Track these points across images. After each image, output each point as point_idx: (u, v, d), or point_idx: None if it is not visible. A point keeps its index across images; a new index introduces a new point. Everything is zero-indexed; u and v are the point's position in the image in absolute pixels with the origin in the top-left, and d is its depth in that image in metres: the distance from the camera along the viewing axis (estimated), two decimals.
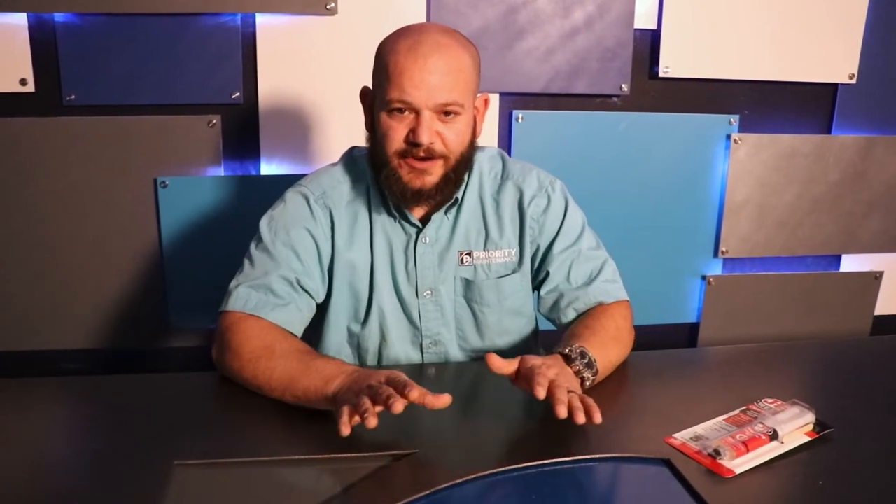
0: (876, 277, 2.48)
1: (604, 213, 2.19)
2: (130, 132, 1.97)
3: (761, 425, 1.10)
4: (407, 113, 1.29)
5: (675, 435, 1.11)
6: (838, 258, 2.49)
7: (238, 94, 1.99)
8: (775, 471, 1.04)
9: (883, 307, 2.51)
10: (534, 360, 1.15)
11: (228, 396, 1.24)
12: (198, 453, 1.04)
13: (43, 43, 1.89)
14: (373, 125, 1.36)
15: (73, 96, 1.92)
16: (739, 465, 1.03)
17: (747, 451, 1.05)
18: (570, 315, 1.45)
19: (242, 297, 1.31)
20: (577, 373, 1.21)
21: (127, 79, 1.94)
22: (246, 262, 1.38)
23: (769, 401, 1.19)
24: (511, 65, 2.08)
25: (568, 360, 1.22)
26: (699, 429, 1.13)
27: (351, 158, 1.48)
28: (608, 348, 1.32)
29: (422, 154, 1.30)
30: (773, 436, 1.08)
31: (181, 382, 1.33)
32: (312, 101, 2.03)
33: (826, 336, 2.45)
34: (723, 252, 2.34)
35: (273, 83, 2.01)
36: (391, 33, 1.35)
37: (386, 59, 1.29)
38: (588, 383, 1.22)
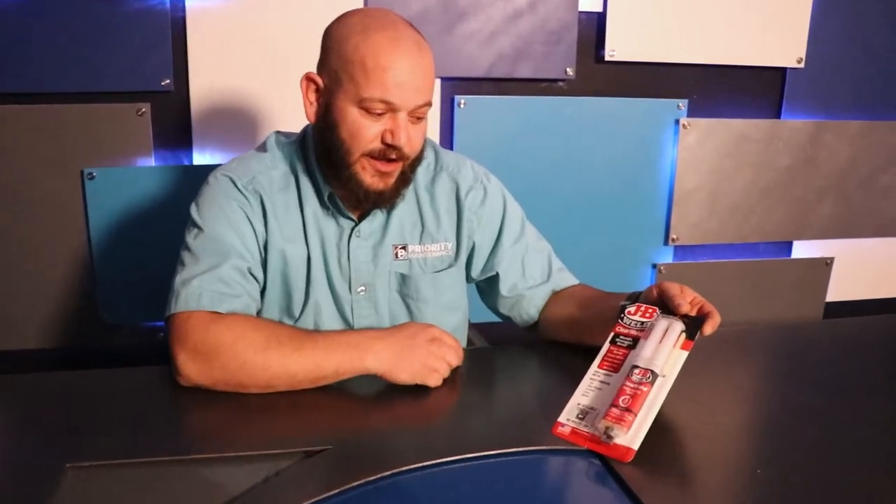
0: (827, 263, 2.47)
1: (550, 201, 2.17)
2: (54, 122, 1.88)
3: (637, 372, 1.04)
4: (381, 112, 1.22)
5: (561, 418, 1.05)
6: (790, 244, 2.48)
7: (168, 81, 1.92)
8: (688, 447, 1.02)
9: (834, 294, 2.51)
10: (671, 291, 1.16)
11: (130, 393, 1.17)
12: (93, 454, 0.97)
13: None
14: (325, 116, 1.27)
15: None
16: (633, 435, 0.98)
17: (635, 415, 0.99)
18: (532, 313, 1.45)
19: (195, 293, 1.21)
20: None
21: (49, 66, 1.85)
22: (186, 254, 1.28)
23: (631, 311, 1.15)
24: (452, 48, 2.03)
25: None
26: (580, 395, 1.07)
27: (276, 144, 1.40)
28: None
29: (393, 156, 1.25)
30: (653, 378, 1.03)
31: (82, 380, 1.24)
32: (246, 88, 1.97)
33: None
34: (673, 240, 2.31)
35: (204, 69, 1.94)
36: (350, 19, 1.25)
37: (359, 51, 1.20)
38: None
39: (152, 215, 1.96)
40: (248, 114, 1.99)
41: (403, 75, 1.19)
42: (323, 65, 1.27)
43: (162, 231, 1.93)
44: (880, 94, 2.40)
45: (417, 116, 1.25)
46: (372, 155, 1.24)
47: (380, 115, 1.22)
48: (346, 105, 1.23)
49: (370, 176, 1.26)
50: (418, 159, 1.32)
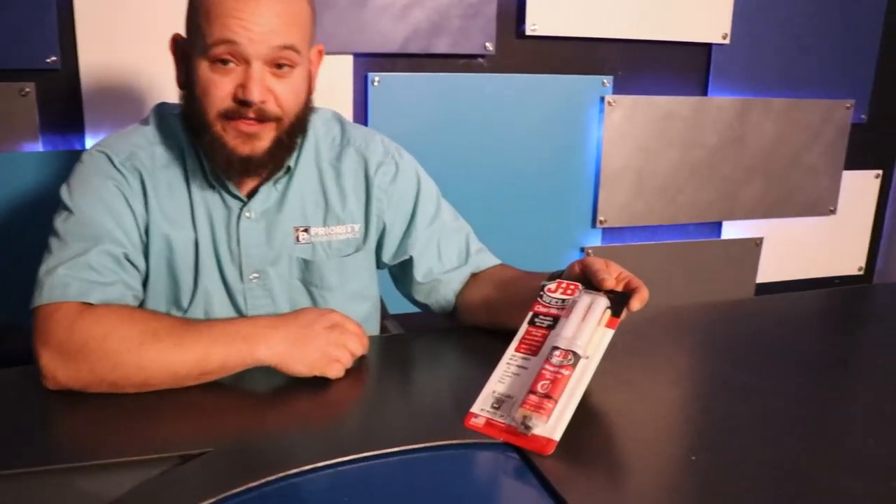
0: (756, 244, 2.44)
1: (472, 184, 2.09)
2: None
3: (557, 353, 0.95)
4: (233, 65, 1.10)
5: (474, 408, 0.95)
6: (719, 225, 2.45)
7: (55, 57, 1.77)
8: (615, 436, 0.94)
9: (764, 274, 2.48)
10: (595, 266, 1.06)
11: None
12: None
13: None
14: (186, 80, 1.17)
15: None
16: (554, 424, 0.89)
17: (555, 401, 0.90)
18: (450, 298, 1.34)
19: (60, 282, 1.07)
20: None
21: None
22: (53, 240, 1.14)
23: (551, 289, 1.05)
24: (365, 23, 1.92)
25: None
26: (495, 382, 0.97)
27: (161, 117, 1.27)
28: None
29: (251, 115, 1.12)
30: (575, 360, 0.94)
31: None
32: (141, 64, 1.83)
33: None
34: (601, 222, 2.25)
35: (95, 45, 1.79)
36: None
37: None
38: None
39: (42, 205, 1.77)
40: (144, 92, 1.85)
41: (253, 15, 1.08)
42: (185, 24, 1.17)
43: (53, 221, 1.79)
44: (804, 71, 2.38)
45: (279, 63, 1.12)
46: (228, 116, 1.12)
47: (231, 67, 1.10)
48: (198, 61, 1.12)
49: (232, 138, 1.13)
50: (298, 124, 1.19)
